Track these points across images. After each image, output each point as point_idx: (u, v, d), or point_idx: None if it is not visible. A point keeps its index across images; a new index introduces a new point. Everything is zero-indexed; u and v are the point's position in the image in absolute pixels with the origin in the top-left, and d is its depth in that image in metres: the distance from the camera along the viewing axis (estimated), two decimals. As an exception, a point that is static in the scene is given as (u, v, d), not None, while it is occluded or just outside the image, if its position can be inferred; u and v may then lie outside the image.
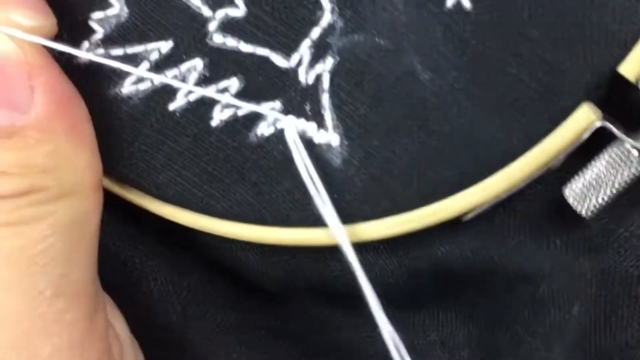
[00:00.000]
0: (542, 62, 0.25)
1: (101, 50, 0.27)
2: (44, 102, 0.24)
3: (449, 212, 0.26)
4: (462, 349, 0.29)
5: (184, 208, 0.28)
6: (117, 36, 0.27)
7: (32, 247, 0.23)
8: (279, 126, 0.26)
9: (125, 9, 0.27)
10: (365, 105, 0.26)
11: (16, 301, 0.23)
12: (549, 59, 0.25)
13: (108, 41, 0.27)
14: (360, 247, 0.26)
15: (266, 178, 0.26)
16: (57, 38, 0.26)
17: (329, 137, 0.26)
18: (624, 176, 0.25)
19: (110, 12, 0.27)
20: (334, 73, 0.26)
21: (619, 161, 0.25)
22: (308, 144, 0.26)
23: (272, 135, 0.27)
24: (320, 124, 0.26)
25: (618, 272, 0.26)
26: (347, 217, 0.26)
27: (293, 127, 0.26)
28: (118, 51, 0.27)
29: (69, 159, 0.24)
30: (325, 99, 0.26)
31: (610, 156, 0.26)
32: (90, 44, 0.27)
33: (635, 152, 0.25)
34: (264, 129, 0.27)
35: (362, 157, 0.26)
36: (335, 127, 0.26)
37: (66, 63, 0.27)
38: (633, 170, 0.25)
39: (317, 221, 0.27)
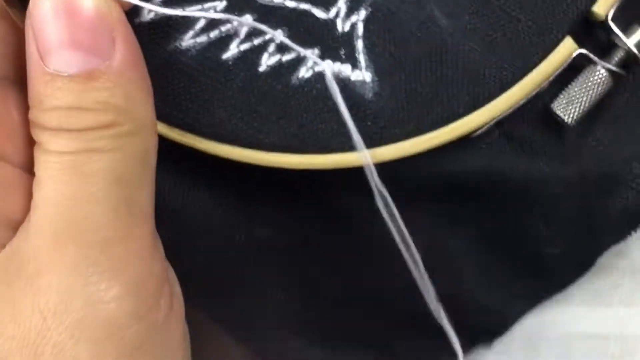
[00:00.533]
0: (535, 3, 0.32)
1: (160, 9, 0.32)
2: (122, 53, 0.29)
3: (462, 130, 0.33)
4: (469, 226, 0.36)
5: (236, 145, 0.33)
6: (176, -2, 0.32)
7: (113, 170, 0.28)
8: (317, 69, 0.32)
9: (183, -27, 0.32)
10: (393, 47, 0.32)
11: (101, 211, 0.28)
12: (542, 9, 0.31)
13: (168, 2, 0.32)
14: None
15: (308, 114, 0.32)
16: None
17: (363, 75, 0.32)
18: (597, 90, 0.33)
19: (170, -24, 0.32)
20: (367, 22, 0.32)
21: (592, 79, 0.33)
22: (344, 82, 0.32)
23: (312, 76, 0.32)
24: (355, 65, 0.32)
25: (592, 174, 0.34)
26: (382, 140, 0.32)
27: (329, 69, 0.32)
28: (177, 10, 0.32)
29: (139, 102, 0.29)
30: (359, 43, 0.32)
31: (587, 75, 0.33)
32: (154, 3, 0.32)
33: (605, 72, 0.33)
34: (304, 72, 0.32)
35: (391, 89, 0.32)
36: (367, 67, 0.32)
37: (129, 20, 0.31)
38: (603, 85, 0.33)
39: (352, 147, 0.32)
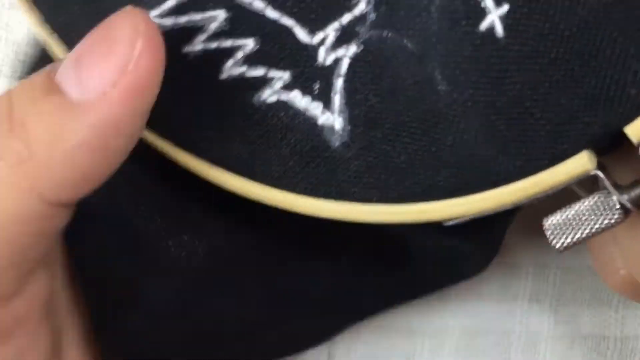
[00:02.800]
0: (556, 104, 0.25)
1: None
2: (105, 110, 0.25)
3: (431, 215, 0.27)
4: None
5: (179, 147, 0.28)
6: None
7: None
8: (282, 98, 0.27)
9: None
10: (377, 98, 0.26)
11: None
12: (564, 103, 0.25)
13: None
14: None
15: (263, 141, 0.27)
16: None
17: (333, 119, 0.27)
18: (603, 223, 0.27)
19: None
20: (354, 60, 0.26)
21: (602, 209, 0.27)
22: (309, 121, 0.27)
23: (276, 103, 0.27)
24: (327, 106, 0.27)
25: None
26: (336, 194, 0.27)
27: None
28: (147, -18, 0.27)
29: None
30: (339, 82, 0.26)
31: (595, 202, 0.27)
32: None
33: (618, 205, 0.26)
34: (268, 96, 0.27)
35: (362, 145, 0.27)
36: (340, 112, 0.27)
37: None
38: (612, 219, 0.27)
39: (305, 190, 0.28)
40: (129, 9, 0.24)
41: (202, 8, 0.27)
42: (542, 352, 0.36)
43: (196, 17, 0.27)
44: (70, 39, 0.28)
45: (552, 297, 0.36)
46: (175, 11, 0.27)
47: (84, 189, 0.25)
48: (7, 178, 0.24)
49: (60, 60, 0.25)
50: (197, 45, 0.27)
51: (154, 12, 0.27)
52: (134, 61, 0.24)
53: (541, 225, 0.27)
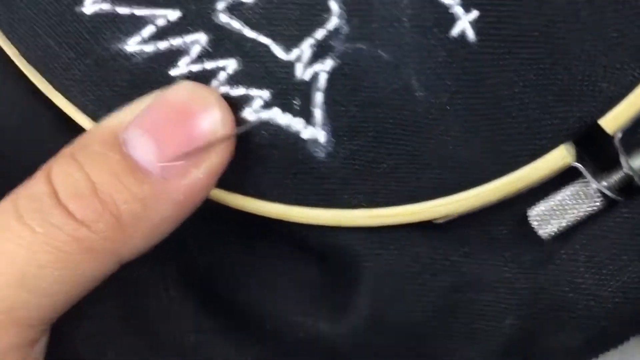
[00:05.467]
0: (533, 102, 0.26)
1: (107, 5, 0.28)
2: (187, 185, 0.26)
3: (418, 216, 0.28)
4: None
5: None
6: (126, -5, 0.27)
7: (29, 263, 0.26)
8: (262, 116, 0.28)
9: (137, -27, 0.27)
10: (357, 108, 0.27)
11: None
12: (539, 101, 0.26)
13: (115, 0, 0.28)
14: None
15: (248, 158, 0.28)
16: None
17: (317, 133, 0.28)
18: (584, 209, 0.28)
19: (122, -27, 0.27)
20: (331, 74, 0.27)
21: (583, 197, 0.28)
22: (293, 137, 0.27)
23: (254, 120, 0.28)
24: (308, 120, 0.27)
25: (551, 293, 0.29)
26: (327, 203, 0.28)
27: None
28: (125, 10, 0.28)
29: (139, 233, 0.27)
30: (319, 97, 0.27)
31: (576, 190, 0.28)
32: (96, -3, 0.28)
33: (598, 193, 0.27)
34: (248, 114, 0.28)
35: (347, 154, 0.28)
36: (323, 125, 0.27)
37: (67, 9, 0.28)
38: (593, 206, 0.28)
39: (296, 201, 0.29)
40: (191, 84, 0.26)
41: (182, 32, 0.27)
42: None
43: (177, 41, 0.28)
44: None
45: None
46: (155, 37, 0.28)
47: (156, 243, 0.27)
48: (96, 246, 0.25)
49: (125, 128, 0.26)
50: (183, 68, 0.28)
51: (133, 39, 0.27)
52: (216, 143, 0.26)
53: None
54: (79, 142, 0.27)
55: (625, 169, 0.27)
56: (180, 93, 0.27)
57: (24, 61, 0.29)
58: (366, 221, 0.28)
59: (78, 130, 0.28)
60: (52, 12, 0.28)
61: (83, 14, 0.28)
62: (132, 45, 0.28)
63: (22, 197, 0.26)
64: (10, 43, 0.29)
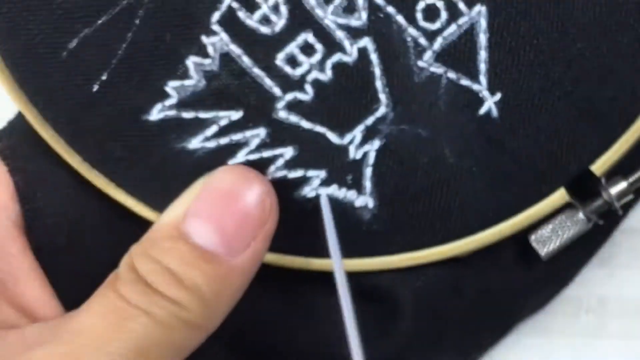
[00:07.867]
0: (539, 160, 0.33)
1: (173, 112, 0.31)
2: (250, 257, 0.30)
3: (448, 254, 0.34)
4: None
5: None
6: (191, 101, 0.31)
7: (144, 340, 0.29)
8: (320, 192, 0.33)
9: (203, 81, 0.31)
10: (400, 178, 0.33)
11: None
12: (547, 156, 0.33)
13: (181, 104, 0.31)
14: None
15: (306, 226, 0.33)
16: (127, 98, 0.30)
17: (366, 200, 0.33)
18: (575, 231, 0.35)
19: (188, 82, 0.31)
20: (379, 152, 0.32)
21: (572, 222, 0.35)
22: (347, 205, 0.33)
23: (316, 197, 0.33)
24: (360, 191, 0.33)
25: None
26: (373, 253, 0.34)
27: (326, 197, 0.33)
28: (190, 114, 0.31)
29: (222, 307, 0.30)
30: (368, 171, 0.32)
31: (567, 217, 0.35)
32: (164, 106, 0.31)
33: (584, 218, 0.35)
34: (308, 192, 0.33)
35: (390, 214, 0.33)
36: (371, 194, 0.33)
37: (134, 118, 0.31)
38: (581, 229, 0.35)
39: (350, 254, 0.34)
40: (229, 168, 0.30)
41: (243, 128, 0.31)
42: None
43: (238, 136, 0.31)
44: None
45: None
46: (218, 135, 0.31)
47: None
48: (194, 323, 0.29)
49: (184, 221, 0.29)
50: (240, 158, 0.32)
51: (197, 139, 0.31)
52: (267, 214, 0.29)
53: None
54: (148, 240, 0.30)
55: (607, 198, 0.34)
56: (224, 177, 0.30)
57: (87, 165, 0.31)
58: (404, 263, 0.34)
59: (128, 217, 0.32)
60: (118, 120, 0.31)
61: (149, 121, 0.31)
62: (195, 143, 0.31)
63: (122, 285, 0.29)
64: (73, 151, 0.31)
